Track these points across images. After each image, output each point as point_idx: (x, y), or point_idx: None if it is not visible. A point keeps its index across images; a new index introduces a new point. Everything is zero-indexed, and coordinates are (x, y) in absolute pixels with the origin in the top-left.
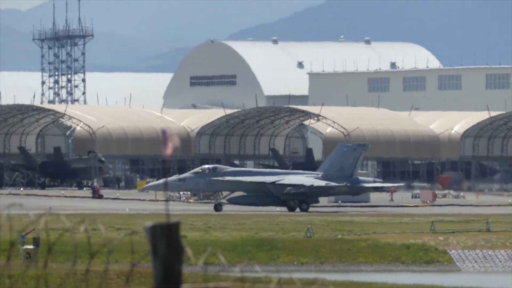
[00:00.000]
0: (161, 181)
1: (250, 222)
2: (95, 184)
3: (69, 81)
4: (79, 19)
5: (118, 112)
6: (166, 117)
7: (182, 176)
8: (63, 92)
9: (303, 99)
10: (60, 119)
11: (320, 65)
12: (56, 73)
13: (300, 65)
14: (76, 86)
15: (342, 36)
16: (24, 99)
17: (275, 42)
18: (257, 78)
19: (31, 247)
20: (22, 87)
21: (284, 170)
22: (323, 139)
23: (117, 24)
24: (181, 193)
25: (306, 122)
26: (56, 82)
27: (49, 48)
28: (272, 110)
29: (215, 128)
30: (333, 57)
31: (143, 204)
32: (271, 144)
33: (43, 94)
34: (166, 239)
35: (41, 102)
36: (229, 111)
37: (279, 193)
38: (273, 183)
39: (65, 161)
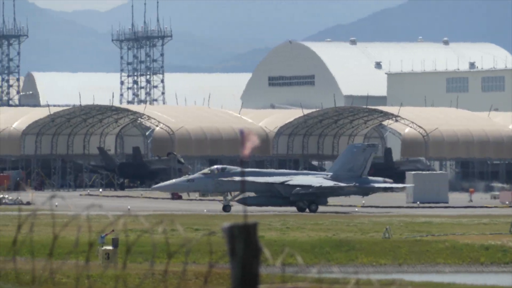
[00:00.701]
0: (170, 181)
1: (328, 223)
2: None
3: (148, 81)
4: (158, 19)
5: (197, 112)
6: (244, 118)
7: (191, 176)
8: (142, 93)
9: (381, 99)
10: (139, 119)
11: (398, 66)
12: (135, 74)
13: (378, 65)
14: (155, 87)
15: (420, 37)
16: (103, 100)
17: (353, 42)
18: (335, 78)
19: (110, 248)
20: (101, 87)
21: (293, 171)
22: (401, 139)
23: (196, 25)
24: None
25: (385, 123)
26: (135, 82)
27: (128, 49)
28: (350, 110)
29: (293, 128)
30: (411, 57)
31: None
32: (350, 144)
33: (122, 95)
34: (244, 240)
35: (120, 103)
36: (307, 111)
37: (288, 194)
38: (282, 183)
39: (144, 162)
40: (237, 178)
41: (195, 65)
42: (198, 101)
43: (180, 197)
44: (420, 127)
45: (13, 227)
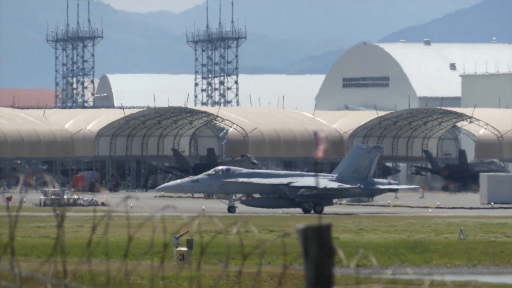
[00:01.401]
0: (175, 182)
1: (402, 224)
2: None
3: (222, 83)
4: (232, 21)
5: (270, 114)
6: (318, 119)
7: (195, 177)
8: (216, 94)
9: (455, 101)
10: (213, 121)
11: (472, 67)
12: (209, 75)
13: (453, 66)
14: (229, 88)
15: (494, 38)
16: (178, 102)
17: (427, 43)
18: (409, 80)
19: (184, 249)
20: (175, 89)
21: (298, 172)
22: (475, 141)
23: (271, 26)
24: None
25: (459, 124)
26: (209, 84)
27: (203, 50)
28: (424, 112)
29: (367, 130)
30: (485, 58)
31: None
32: (424, 146)
33: (196, 97)
34: (318, 241)
35: (195, 104)
36: (381, 113)
37: (293, 195)
38: (287, 185)
39: (218, 163)
40: (242, 179)
41: (269, 67)
42: (272, 102)
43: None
44: (494, 128)
45: (88, 228)
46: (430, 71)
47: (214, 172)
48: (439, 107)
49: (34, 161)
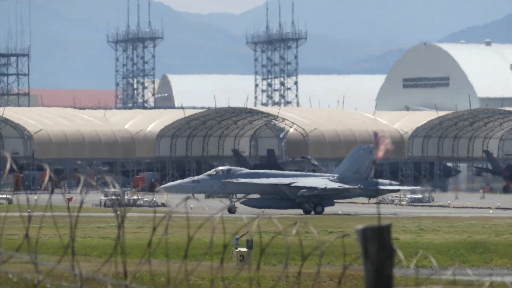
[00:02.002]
0: (176, 182)
1: (463, 225)
2: None
3: (282, 83)
4: (293, 22)
5: (330, 114)
6: (379, 120)
7: (196, 178)
8: (276, 95)
9: None
10: (273, 121)
11: None
12: (269, 76)
13: None
14: (289, 89)
15: None
16: (238, 102)
17: (488, 44)
18: (470, 80)
19: (244, 249)
20: (235, 90)
21: (299, 172)
22: None
23: (331, 27)
24: (394, 196)
25: None
26: (269, 85)
27: (262, 51)
28: (485, 112)
29: (428, 130)
30: None
31: (355, 207)
32: (485, 147)
33: (256, 97)
34: (377, 242)
35: (255, 105)
36: (442, 113)
37: (294, 196)
38: (287, 185)
39: (278, 164)
40: (242, 180)
41: (329, 67)
42: (332, 103)
43: None
44: None
45: (148, 229)
46: (491, 71)
47: (214, 173)
48: (500, 108)
49: (95, 162)
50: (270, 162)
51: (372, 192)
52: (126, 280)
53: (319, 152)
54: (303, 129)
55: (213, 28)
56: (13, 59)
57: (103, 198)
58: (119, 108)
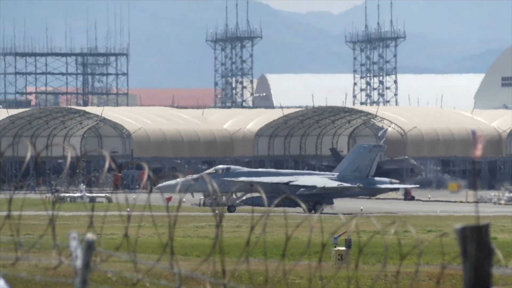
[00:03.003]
0: (173, 181)
1: None
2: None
3: (380, 82)
4: (391, 21)
5: (429, 113)
6: (477, 118)
7: (195, 176)
8: (375, 94)
9: None
10: (372, 120)
11: None
12: (368, 75)
13: None
14: (387, 88)
15: None
16: (336, 101)
17: None
18: None
19: (343, 248)
20: (334, 89)
21: (299, 171)
22: None
23: (429, 26)
24: (493, 194)
25: None
26: (368, 83)
27: (361, 50)
28: None
29: None
30: None
31: (454, 206)
32: None
33: (355, 96)
34: (476, 241)
35: (353, 104)
36: None
37: (293, 194)
38: (287, 184)
39: (377, 162)
40: (242, 179)
41: (428, 66)
42: (431, 101)
43: (412, 198)
44: None
45: (246, 228)
46: None
47: (214, 171)
48: None
49: (194, 161)
50: None
51: (372, 190)
52: (224, 279)
53: (417, 151)
54: (402, 128)
55: (311, 27)
56: (112, 58)
57: (202, 197)
58: (218, 107)
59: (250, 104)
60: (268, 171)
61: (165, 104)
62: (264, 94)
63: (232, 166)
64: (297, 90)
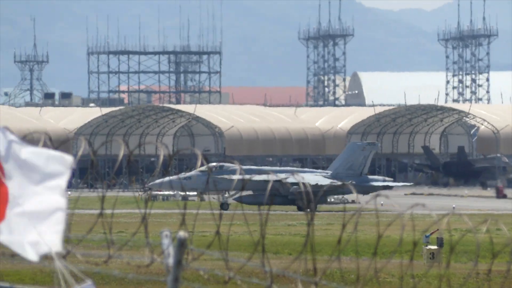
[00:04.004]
0: (166, 178)
1: None
2: (499, 184)
3: (473, 80)
4: (484, 18)
5: None
6: None
7: (188, 174)
8: (467, 92)
9: None
10: (464, 118)
11: None
12: (460, 73)
13: None
14: (480, 86)
15: None
16: (428, 99)
17: None
18: None
19: (434, 247)
20: (426, 87)
21: (293, 168)
22: None
23: None
24: None
25: None
26: (460, 81)
27: (453, 48)
28: None
29: None
30: None
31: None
32: None
33: (447, 94)
34: None
35: (445, 102)
36: None
37: (286, 192)
38: (279, 181)
39: (468, 161)
40: (235, 176)
41: None
42: None
43: (505, 196)
44: None
45: (338, 226)
46: None
47: (207, 169)
48: None
49: (285, 159)
50: (460, 159)
51: (365, 188)
52: (316, 277)
53: (510, 149)
54: (494, 126)
55: (404, 24)
56: (204, 57)
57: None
58: (310, 106)
59: (343, 102)
60: (262, 169)
61: (258, 102)
62: (356, 92)
63: (226, 164)
64: (389, 88)
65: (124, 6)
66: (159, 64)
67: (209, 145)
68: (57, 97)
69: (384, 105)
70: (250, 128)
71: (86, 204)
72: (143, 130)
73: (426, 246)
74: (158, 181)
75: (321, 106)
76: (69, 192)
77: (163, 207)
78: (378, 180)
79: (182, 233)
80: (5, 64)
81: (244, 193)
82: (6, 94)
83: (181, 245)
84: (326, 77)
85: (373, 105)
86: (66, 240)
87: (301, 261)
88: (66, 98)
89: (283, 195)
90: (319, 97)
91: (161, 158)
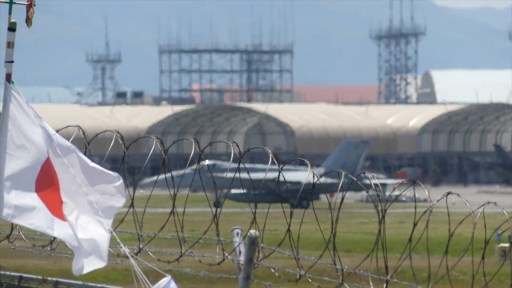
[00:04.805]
0: (161, 177)
1: None
2: None
3: None
4: None
5: None
6: None
7: (180, 172)
8: None
9: None
10: None
11: None
12: None
13: None
14: None
15: None
16: (500, 97)
17: None
18: None
19: (506, 245)
20: (498, 84)
21: (287, 167)
22: None
23: None
24: None
25: None
26: None
27: None
28: None
29: None
30: None
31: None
32: None
33: None
34: None
35: None
36: None
37: (278, 190)
38: (272, 180)
39: None
40: (228, 174)
41: None
42: None
43: None
44: None
45: (409, 224)
46: None
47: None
48: None
49: None
50: None
51: (358, 186)
52: (387, 275)
53: None
54: None
55: (475, 23)
56: (276, 55)
57: (365, 194)
58: (382, 104)
59: (414, 100)
60: (254, 167)
61: (329, 101)
62: (428, 91)
63: (218, 162)
64: (461, 86)
65: (195, 5)
66: (230, 63)
67: (280, 144)
68: (128, 96)
69: (455, 103)
70: (321, 126)
71: (158, 202)
72: (214, 129)
73: (498, 244)
74: (150, 180)
75: (393, 104)
76: (141, 191)
77: (234, 205)
78: (370, 178)
79: (253, 231)
80: (76, 64)
81: (238, 191)
82: (78, 93)
83: (252, 243)
84: (398, 76)
85: (444, 103)
86: (138, 238)
87: (372, 259)
88: (137, 97)
89: (276, 193)
90: (391, 96)
91: (232, 156)
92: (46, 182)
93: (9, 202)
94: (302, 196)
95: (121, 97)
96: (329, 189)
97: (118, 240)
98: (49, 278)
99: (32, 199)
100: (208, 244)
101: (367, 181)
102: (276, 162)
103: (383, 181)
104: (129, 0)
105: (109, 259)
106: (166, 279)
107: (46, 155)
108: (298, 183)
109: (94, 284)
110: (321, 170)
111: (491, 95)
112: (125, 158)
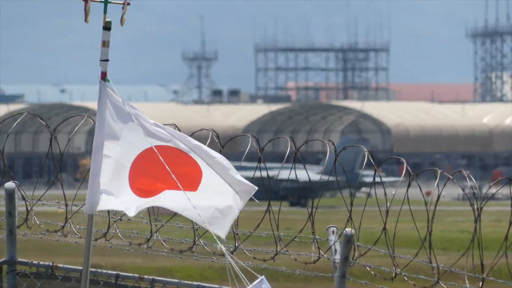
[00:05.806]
0: None
1: None
2: None
3: None
4: None
5: None
6: None
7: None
8: None
9: None
10: None
11: None
12: None
13: None
14: None
15: None
16: None
17: None
18: None
19: None
20: None
21: (286, 165)
22: None
23: None
24: None
25: None
26: None
27: None
28: None
29: None
30: None
31: None
32: None
33: None
34: None
35: None
36: None
37: (277, 188)
38: (271, 178)
39: None
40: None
41: None
42: None
43: None
44: None
45: (506, 223)
46: None
47: None
48: None
49: (453, 156)
50: None
51: (357, 184)
52: (483, 273)
53: None
54: None
55: None
56: (372, 54)
57: (461, 192)
58: (477, 102)
59: (510, 98)
60: (254, 165)
61: (425, 99)
62: None
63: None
64: None
65: (291, 4)
66: (326, 61)
67: (376, 142)
68: (225, 94)
69: None
70: (417, 124)
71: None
72: (310, 127)
73: None
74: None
75: (489, 102)
76: None
77: (330, 204)
78: (369, 176)
79: (348, 229)
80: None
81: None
82: (175, 92)
83: (348, 241)
84: (493, 74)
85: None
86: (233, 236)
87: (468, 258)
88: (234, 95)
89: (274, 191)
90: (486, 94)
91: (328, 155)
92: (139, 173)
93: (103, 197)
94: (300, 194)
95: (217, 95)
96: (328, 186)
97: (215, 238)
98: (146, 276)
99: (125, 190)
100: (304, 242)
101: (366, 179)
102: (372, 161)
103: (386, 179)
104: (225, 0)
105: (204, 256)
106: (260, 279)
107: (143, 148)
108: (295, 181)
109: (190, 282)
110: (321, 167)
111: None
112: None
